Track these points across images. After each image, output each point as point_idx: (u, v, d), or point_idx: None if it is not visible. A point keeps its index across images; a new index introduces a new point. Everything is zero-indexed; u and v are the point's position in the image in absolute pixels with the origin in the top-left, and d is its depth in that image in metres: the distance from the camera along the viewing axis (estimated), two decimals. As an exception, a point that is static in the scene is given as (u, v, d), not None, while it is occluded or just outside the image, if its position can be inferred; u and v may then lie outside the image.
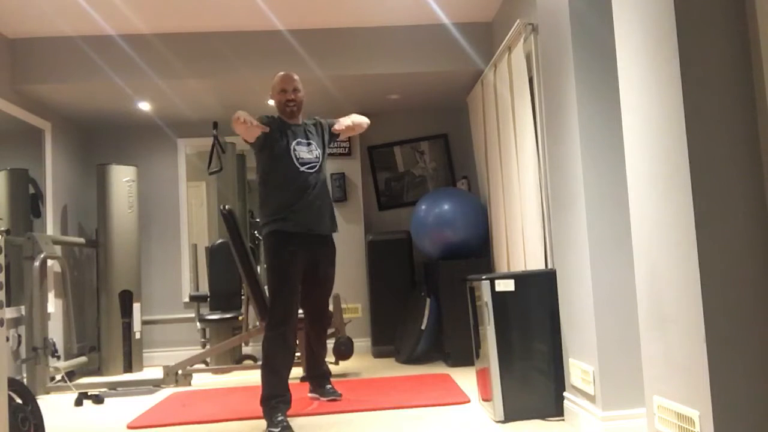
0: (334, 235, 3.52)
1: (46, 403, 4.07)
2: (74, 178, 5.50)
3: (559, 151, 2.79)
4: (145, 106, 5.20)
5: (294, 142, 3.29)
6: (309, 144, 3.35)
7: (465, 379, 4.01)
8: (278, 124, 3.31)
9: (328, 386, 3.60)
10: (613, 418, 2.46)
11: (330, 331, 4.47)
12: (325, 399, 3.56)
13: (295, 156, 3.27)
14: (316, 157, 3.34)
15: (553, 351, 2.93)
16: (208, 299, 5.10)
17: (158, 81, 4.59)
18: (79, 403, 3.92)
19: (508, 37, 3.84)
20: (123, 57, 4.57)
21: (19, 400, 2.52)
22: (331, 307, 4.66)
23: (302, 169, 3.26)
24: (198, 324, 5.02)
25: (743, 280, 1.66)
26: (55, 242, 4.75)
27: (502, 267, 4.38)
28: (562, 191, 2.77)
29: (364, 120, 3.52)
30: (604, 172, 2.54)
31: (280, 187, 3.23)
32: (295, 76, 3.37)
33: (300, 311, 3.64)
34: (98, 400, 3.97)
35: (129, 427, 3.24)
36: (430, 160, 5.90)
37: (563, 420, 2.87)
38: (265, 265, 3.27)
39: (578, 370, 2.66)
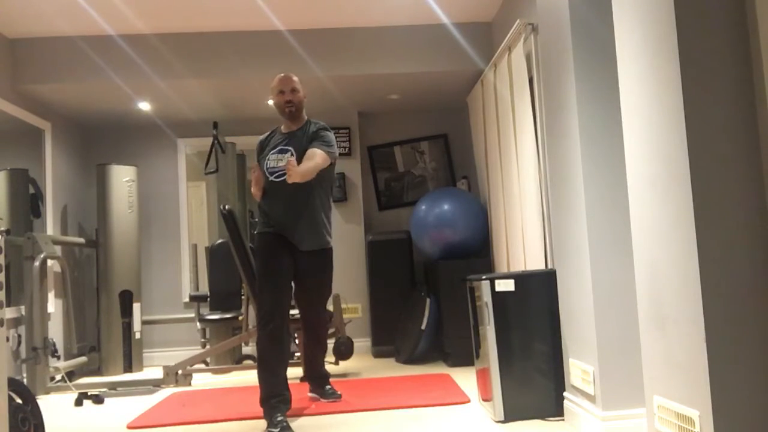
0: (334, 236, 3.50)
1: (46, 403, 4.07)
2: (74, 178, 5.50)
3: (559, 151, 2.79)
4: (145, 106, 5.20)
5: (270, 151, 3.27)
6: (283, 151, 3.23)
7: (465, 379, 4.00)
8: (267, 139, 3.35)
9: (328, 387, 3.60)
10: (613, 418, 2.46)
11: (330, 331, 4.47)
12: (325, 400, 3.56)
13: (266, 165, 3.25)
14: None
15: (553, 351, 2.93)
16: (208, 299, 5.10)
17: (158, 81, 4.59)
18: (79, 403, 3.92)
19: (508, 37, 3.84)
20: (123, 57, 4.57)
21: (19, 400, 2.52)
22: (331, 307, 4.66)
23: (271, 178, 3.22)
24: (198, 324, 5.02)
25: (743, 280, 1.66)
26: (55, 242, 4.75)
27: (502, 267, 4.37)
28: (562, 191, 2.77)
29: (310, 167, 3.03)
30: (604, 172, 2.54)
31: (264, 197, 3.28)
32: (294, 77, 3.34)
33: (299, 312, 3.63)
34: (98, 400, 3.97)
35: (129, 427, 3.24)
36: (430, 160, 5.90)
37: (563, 420, 2.87)
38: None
39: (578, 370, 2.66)
